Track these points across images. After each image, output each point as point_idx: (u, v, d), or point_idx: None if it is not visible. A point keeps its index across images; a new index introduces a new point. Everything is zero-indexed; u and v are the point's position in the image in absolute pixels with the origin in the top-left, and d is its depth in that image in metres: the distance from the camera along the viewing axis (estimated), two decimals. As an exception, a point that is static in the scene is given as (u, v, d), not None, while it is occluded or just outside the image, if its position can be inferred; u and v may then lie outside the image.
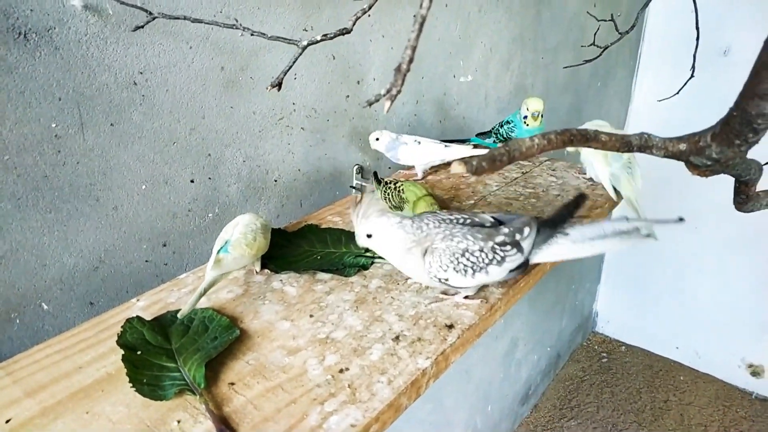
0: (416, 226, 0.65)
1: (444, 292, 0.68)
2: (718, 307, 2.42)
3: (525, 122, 1.04)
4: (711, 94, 2.06)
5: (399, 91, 0.38)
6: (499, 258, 0.63)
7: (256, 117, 0.89)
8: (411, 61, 0.38)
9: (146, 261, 0.81)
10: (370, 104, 0.43)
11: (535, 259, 0.67)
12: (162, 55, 0.75)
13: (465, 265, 0.62)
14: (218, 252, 0.65)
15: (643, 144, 0.49)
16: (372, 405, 0.51)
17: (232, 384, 0.55)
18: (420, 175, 1.05)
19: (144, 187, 0.78)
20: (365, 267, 0.74)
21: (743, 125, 0.43)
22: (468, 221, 0.65)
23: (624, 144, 0.47)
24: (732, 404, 2.37)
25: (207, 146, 0.84)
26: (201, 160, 0.84)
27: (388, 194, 0.86)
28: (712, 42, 2.09)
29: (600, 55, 1.33)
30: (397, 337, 0.61)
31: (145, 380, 0.54)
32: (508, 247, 0.64)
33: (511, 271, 0.65)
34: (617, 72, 2.18)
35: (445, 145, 1.02)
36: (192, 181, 0.84)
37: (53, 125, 0.67)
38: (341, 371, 0.56)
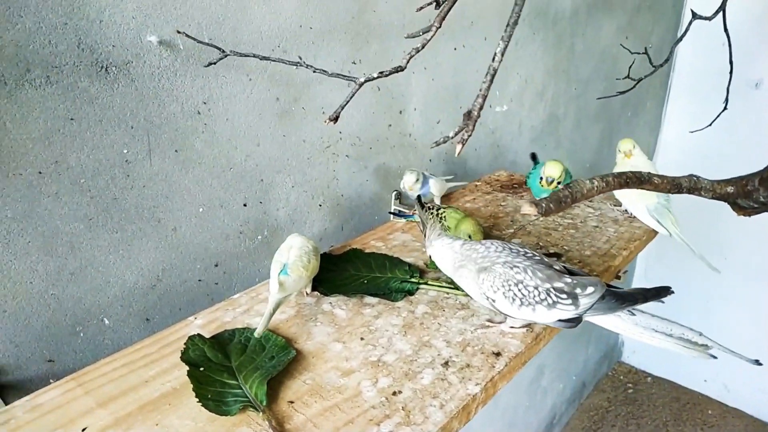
0: (467, 247, 0.68)
1: (490, 320, 0.71)
2: (746, 340, 2.38)
3: (541, 183, 1.01)
4: (741, 125, 2.07)
5: (470, 136, 0.42)
6: (550, 301, 0.64)
7: (306, 145, 0.94)
8: (481, 108, 0.42)
9: (199, 280, 0.85)
10: (438, 144, 0.46)
11: (592, 320, 0.68)
12: (224, 87, 0.79)
13: (515, 295, 0.64)
14: (279, 274, 0.68)
15: (692, 186, 0.51)
16: (426, 428, 0.54)
17: (292, 402, 0.58)
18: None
19: (201, 210, 0.82)
20: (411, 292, 0.77)
21: (793, 172, 0.45)
22: (536, 257, 0.67)
23: (674, 186, 0.50)
24: (762, 440, 2.32)
25: (260, 172, 0.88)
26: (254, 185, 0.88)
27: (431, 219, 0.90)
28: (744, 74, 2.10)
29: (634, 87, 1.35)
30: (446, 363, 0.63)
31: (209, 396, 0.57)
32: (564, 296, 0.65)
33: (560, 320, 0.66)
34: (647, 102, 2.20)
35: (446, 179, 1.07)
36: (245, 205, 0.88)
37: (125, 151, 0.71)
38: (394, 394, 0.59)
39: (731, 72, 1.45)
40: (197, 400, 0.57)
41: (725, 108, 1.48)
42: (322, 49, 0.90)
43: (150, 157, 0.74)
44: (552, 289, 0.64)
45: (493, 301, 0.66)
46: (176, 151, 0.76)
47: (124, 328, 0.78)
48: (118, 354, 0.67)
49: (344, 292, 0.77)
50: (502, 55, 0.40)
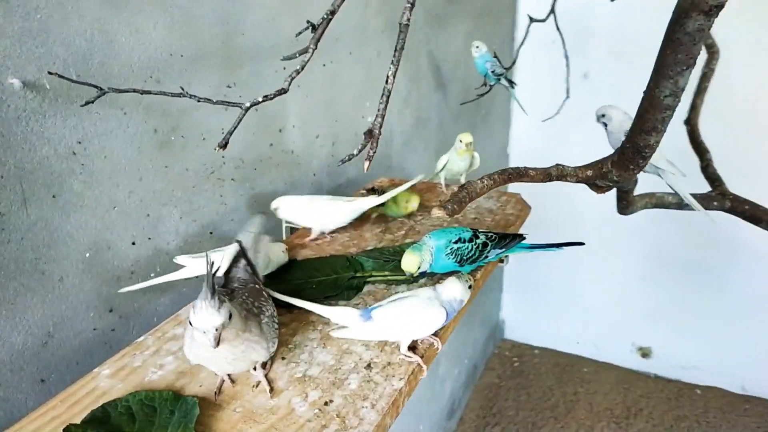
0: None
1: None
2: (607, 301, 2.69)
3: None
4: (576, 112, 2.33)
5: (374, 152, 0.45)
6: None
7: (190, 173, 0.92)
8: (381, 126, 0.45)
9: (94, 329, 0.80)
10: (343, 162, 0.49)
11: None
12: (99, 124, 0.76)
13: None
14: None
15: (560, 173, 0.59)
16: (363, 428, 0.57)
17: (226, 433, 0.58)
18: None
19: (88, 255, 0.78)
20: (360, 288, 0.83)
21: (635, 154, 0.55)
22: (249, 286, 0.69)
23: (546, 175, 0.58)
24: (631, 386, 2.63)
25: (145, 207, 0.85)
26: (140, 222, 0.85)
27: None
28: (573, 67, 2.37)
29: (489, 90, 1.50)
30: (368, 365, 0.66)
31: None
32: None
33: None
34: (496, 99, 2.40)
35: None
36: (133, 243, 0.84)
37: (-4, 203, 0.66)
38: (326, 404, 0.61)
39: (568, 65, 1.65)
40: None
41: (567, 97, 1.68)
42: (195, 76, 0.89)
43: (26, 206, 0.69)
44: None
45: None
46: (54, 196, 0.72)
47: (17, 394, 0.71)
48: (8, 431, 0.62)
49: (301, 297, 0.78)
50: (394, 76, 0.45)
